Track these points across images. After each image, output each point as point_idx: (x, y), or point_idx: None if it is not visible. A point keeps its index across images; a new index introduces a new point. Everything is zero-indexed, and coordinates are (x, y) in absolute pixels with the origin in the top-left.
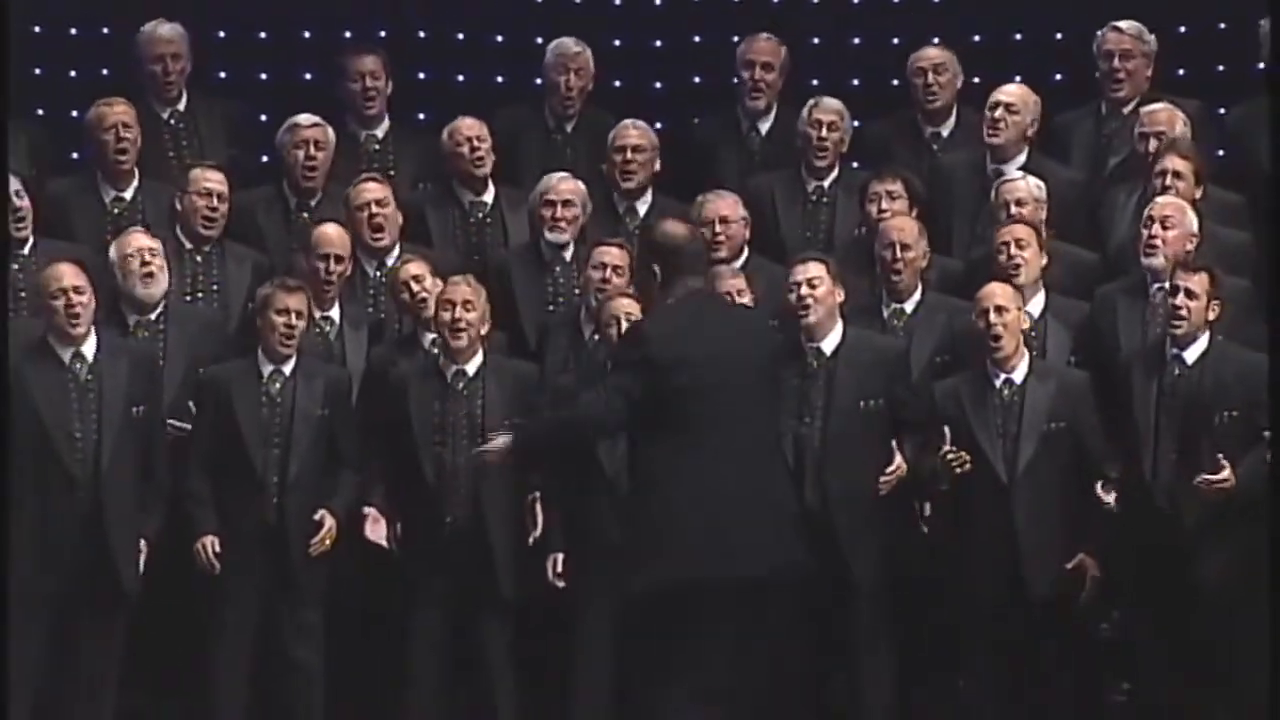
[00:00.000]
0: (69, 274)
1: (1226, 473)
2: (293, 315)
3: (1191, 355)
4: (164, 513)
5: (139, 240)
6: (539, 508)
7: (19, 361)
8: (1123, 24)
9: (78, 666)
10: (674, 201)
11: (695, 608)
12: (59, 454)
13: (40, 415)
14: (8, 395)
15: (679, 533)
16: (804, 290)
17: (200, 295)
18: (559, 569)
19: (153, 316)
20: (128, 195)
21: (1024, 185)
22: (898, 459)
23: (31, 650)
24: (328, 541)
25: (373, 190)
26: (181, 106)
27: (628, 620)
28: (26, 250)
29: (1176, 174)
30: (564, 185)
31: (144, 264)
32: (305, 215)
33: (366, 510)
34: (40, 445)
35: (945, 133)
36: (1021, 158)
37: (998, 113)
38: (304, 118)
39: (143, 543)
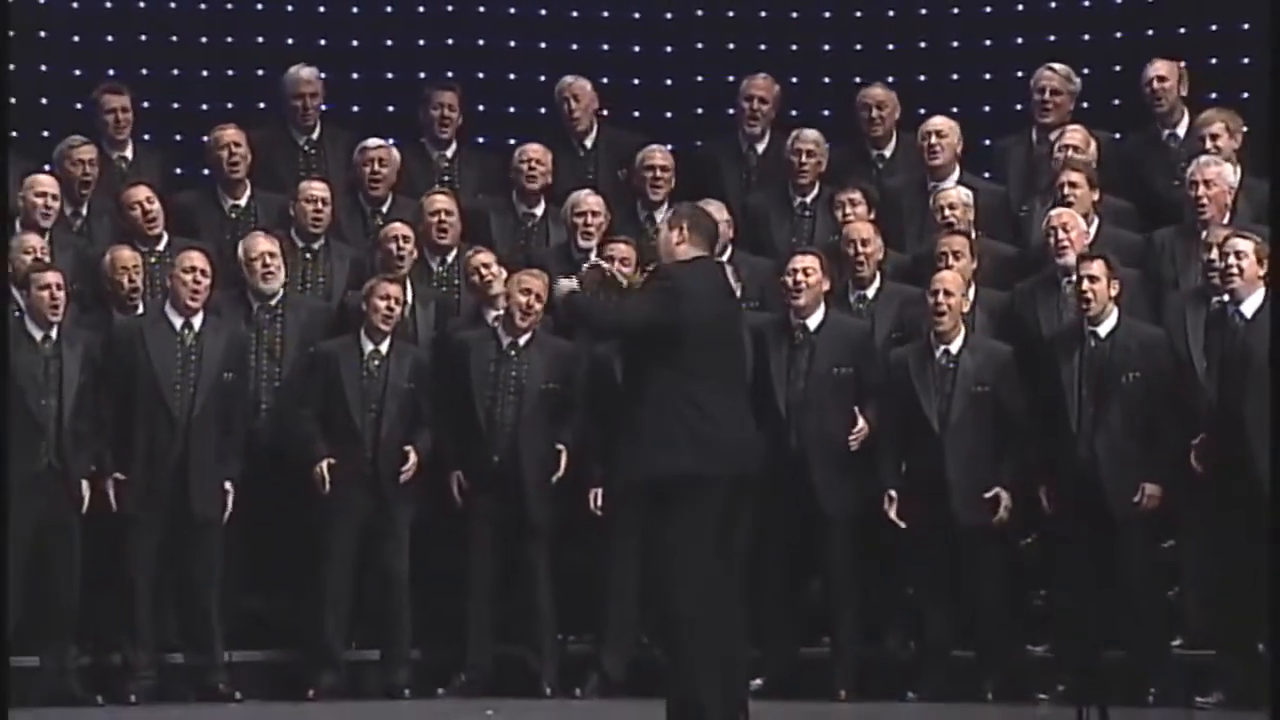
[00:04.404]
0: (199, 259)
1: (1155, 490)
2: (392, 300)
3: (1103, 330)
4: (242, 460)
5: (261, 244)
6: (564, 456)
7: (139, 326)
8: (1055, 65)
9: (184, 572)
10: None
11: (695, 493)
12: (165, 400)
13: (154, 368)
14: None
15: (681, 438)
16: (798, 278)
17: (308, 286)
18: (600, 501)
19: (273, 303)
20: (242, 203)
21: (955, 193)
22: (861, 421)
23: (148, 564)
24: (412, 471)
25: (441, 201)
26: (315, 135)
27: (656, 496)
28: (161, 246)
29: (1073, 184)
30: (590, 200)
31: (264, 265)
32: (379, 219)
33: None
34: (152, 393)
35: (887, 154)
36: (955, 175)
37: (931, 140)
38: (371, 141)
39: (229, 484)
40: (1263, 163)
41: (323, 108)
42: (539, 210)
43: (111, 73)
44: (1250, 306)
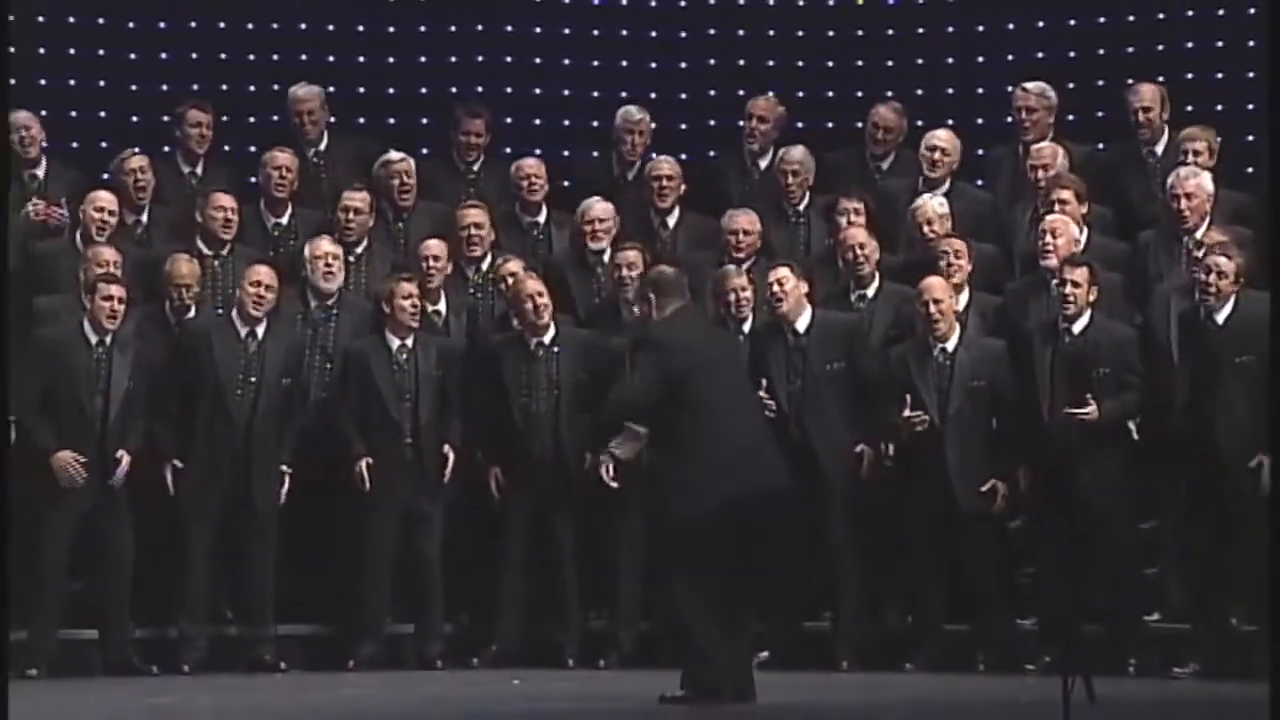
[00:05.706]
0: (265, 274)
1: (1092, 409)
2: (415, 298)
3: (1078, 328)
4: (297, 447)
5: (324, 246)
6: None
7: (207, 330)
8: (1029, 84)
9: (243, 560)
10: (697, 215)
11: (720, 517)
12: (226, 403)
13: (219, 373)
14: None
15: (704, 470)
16: (775, 289)
17: (352, 288)
18: (612, 474)
19: (329, 303)
20: (284, 221)
21: (928, 208)
22: (867, 454)
23: (204, 546)
24: (451, 470)
25: (473, 215)
26: (322, 147)
27: (668, 533)
28: (225, 251)
29: (1063, 200)
30: (599, 207)
31: (326, 266)
32: (402, 225)
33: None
34: (214, 394)
35: (885, 166)
36: (946, 184)
37: (935, 155)
38: (394, 155)
39: (284, 467)
40: (1235, 176)
41: (331, 120)
42: (540, 218)
43: (165, 88)
44: (1222, 315)
